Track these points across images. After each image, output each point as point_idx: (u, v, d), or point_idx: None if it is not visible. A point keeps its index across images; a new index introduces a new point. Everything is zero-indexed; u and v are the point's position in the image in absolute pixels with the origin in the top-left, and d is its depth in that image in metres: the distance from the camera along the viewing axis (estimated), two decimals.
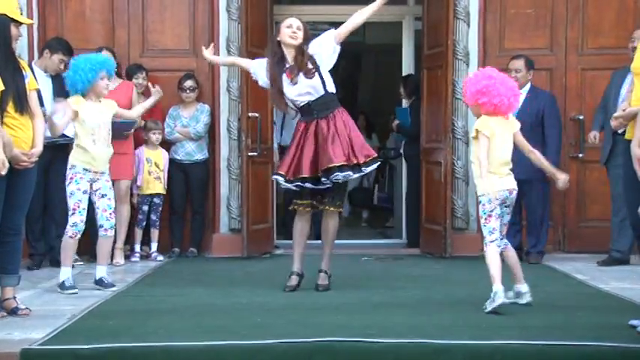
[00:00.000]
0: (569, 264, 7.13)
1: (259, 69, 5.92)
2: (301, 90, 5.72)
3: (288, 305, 5.26)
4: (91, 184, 5.88)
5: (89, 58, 5.88)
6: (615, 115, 4.80)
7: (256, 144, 7.65)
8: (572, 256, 7.64)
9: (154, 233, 7.68)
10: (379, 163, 5.91)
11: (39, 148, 4.92)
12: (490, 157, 5.01)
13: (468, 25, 7.78)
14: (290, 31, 5.70)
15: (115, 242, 7.13)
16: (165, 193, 7.68)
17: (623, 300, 5.49)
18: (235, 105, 7.77)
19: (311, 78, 5.68)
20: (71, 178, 5.81)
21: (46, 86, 6.67)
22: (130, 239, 7.64)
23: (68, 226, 5.83)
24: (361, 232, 10.21)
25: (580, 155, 7.77)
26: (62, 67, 6.93)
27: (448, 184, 7.59)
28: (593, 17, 7.91)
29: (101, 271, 6.04)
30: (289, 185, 5.79)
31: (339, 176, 5.63)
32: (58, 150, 6.83)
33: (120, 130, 7.07)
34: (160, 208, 7.68)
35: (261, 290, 5.85)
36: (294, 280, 5.86)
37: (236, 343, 4.22)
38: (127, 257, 7.52)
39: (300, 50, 5.68)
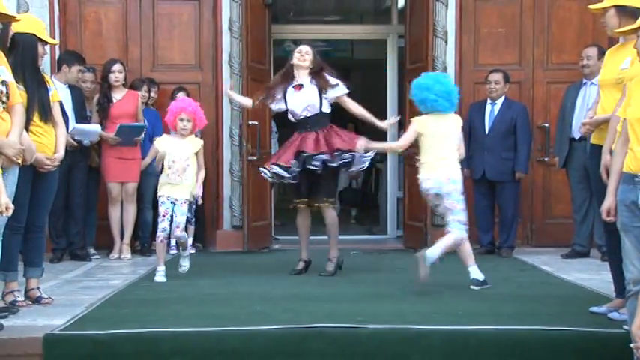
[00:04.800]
0: (536, 257, 7.15)
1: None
2: (302, 103, 6.01)
3: (284, 295, 5.26)
4: None
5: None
6: (583, 121, 4.79)
7: (256, 149, 7.65)
8: (539, 249, 7.65)
9: (189, 229, 7.61)
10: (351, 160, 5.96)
11: (61, 153, 4.93)
12: None
13: (446, 42, 7.80)
14: (299, 55, 6.05)
15: (122, 238, 7.15)
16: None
17: (585, 289, 5.51)
18: (237, 114, 7.77)
19: (325, 92, 6.06)
20: None
21: (67, 97, 6.68)
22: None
23: None
24: (350, 228, 10.20)
25: (546, 159, 7.79)
26: (81, 75, 6.96)
27: None
28: (557, 36, 7.94)
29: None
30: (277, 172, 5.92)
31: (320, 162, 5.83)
32: (78, 155, 6.84)
33: (131, 136, 7.07)
34: (193, 206, 7.60)
35: (260, 281, 5.86)
36: (300, 265, 6.13)
37: (237, 329, 4.23)
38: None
39: (315, 70, 6.06)
